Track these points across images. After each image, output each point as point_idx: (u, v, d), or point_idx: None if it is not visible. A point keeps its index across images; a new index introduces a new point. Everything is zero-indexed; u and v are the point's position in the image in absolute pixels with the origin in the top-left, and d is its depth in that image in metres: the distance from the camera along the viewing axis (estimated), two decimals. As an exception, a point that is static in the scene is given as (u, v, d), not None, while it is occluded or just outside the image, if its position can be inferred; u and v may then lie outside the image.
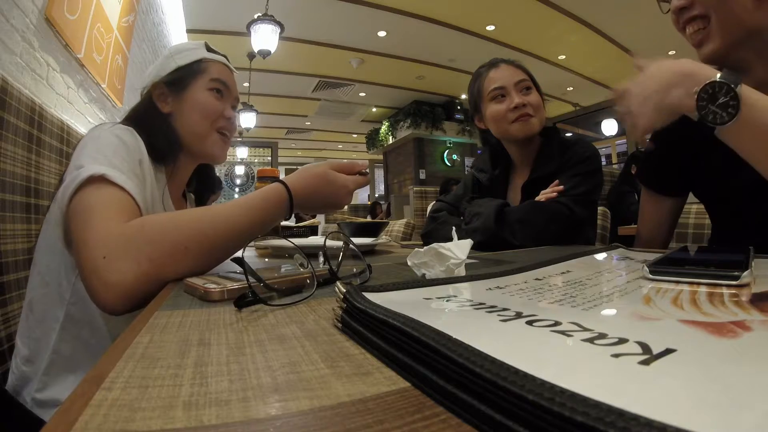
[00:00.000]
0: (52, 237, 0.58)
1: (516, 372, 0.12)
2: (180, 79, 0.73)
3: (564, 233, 0.84)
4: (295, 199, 0.55)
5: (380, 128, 8.85)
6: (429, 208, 1.20)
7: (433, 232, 0.98)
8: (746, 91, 0.47)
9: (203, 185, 0.89)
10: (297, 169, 0.62)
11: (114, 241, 0.44)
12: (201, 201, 0.89)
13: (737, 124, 0.47)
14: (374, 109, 8.27)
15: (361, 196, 11.53)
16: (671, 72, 0.52)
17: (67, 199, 0.51)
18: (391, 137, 8.51)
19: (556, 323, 0.18)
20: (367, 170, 0.66)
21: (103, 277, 0.43)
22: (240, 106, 6.00)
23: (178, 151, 0.74)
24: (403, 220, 2.00)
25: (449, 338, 0.16)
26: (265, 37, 3.58)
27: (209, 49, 0.77)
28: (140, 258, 0.43)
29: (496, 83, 0.96)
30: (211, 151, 0.76)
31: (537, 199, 0.88)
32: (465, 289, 0.28)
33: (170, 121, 0.73)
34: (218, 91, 0.75)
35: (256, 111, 6.11)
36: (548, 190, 0.89)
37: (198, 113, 0.73)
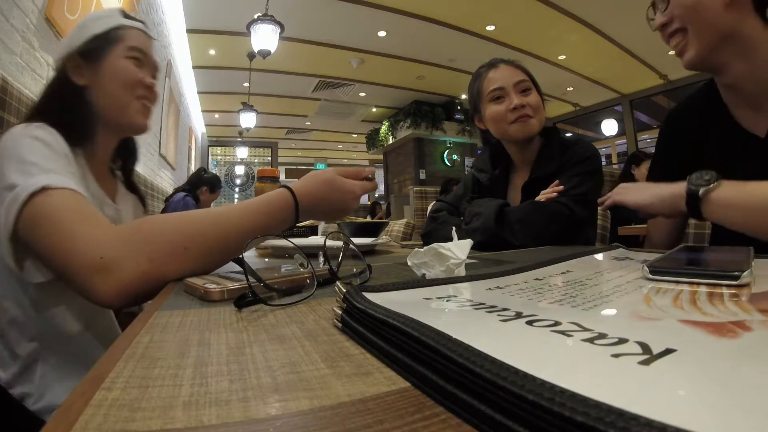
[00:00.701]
0: None
1: (516, 372, 0.12)
2: (96, 48, 0.68)
3: (564, 233, 0.84)
4: (301, 205, 0.54)
5: (380, 128, 8.84)
6: (429, 208, 1.20)
7: (433, 232, 0.98)
8: (713, 194, 0.59)
9: (126, 159, 0.83)
10: (297, 169, 0.62)
11: (110, 243, 0.44)
12: (128, 176, 0.84)
13: (709, 214, 0.60)
14: (374, 109, 8.27)
15: (362, 198, 11.52)
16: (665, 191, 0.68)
17: (11, 221, 0.48)
18: (391, 137, 8.51)
19: (556, 323, 0.18)
20: (374, 175, 0.66)
21: (103, 276, 0.42)
22: (240, 106, 6.04)
23: (95, 128, 0.70)
24: (403, 220, 2.00)
25: (449, 338, 0.16)
26: (265, 37, 3.58)
27: (126, 16, 0.73)
28: (139, 258, 0.43)
29: (495, 84, 0.96)
30: (134, 120, 0.72)
31: (537, 199, 0.88)
32: (465, 289, 0.28)
33: (86, 94, 0.68)
34: (136, 59, 0.71)
35: (256, 111, 6.12)
36: (548, 190, 0.89)
37: (116, 83, 0.69)
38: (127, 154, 0.83)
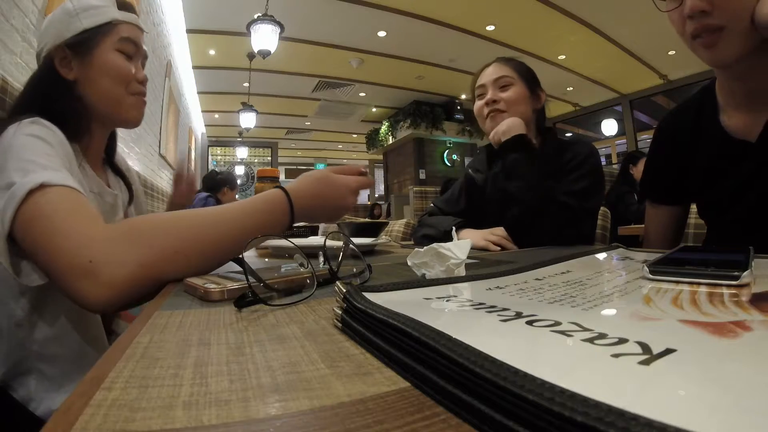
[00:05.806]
0: None
1: (516, 372, 0.12)
2: (86, 40, 0.65)
3: (568, 230, 0.85)
4: (296, 204, 0.52)
5: (380, 128, 8.84)
6: (427, 210, 1.22)
7: (414, 234, 1.04)
8: None
9: (107, 146, 0.79)
10: (297, 169, 0.62)
11: (99, 245, 0.42)
12: (111, 160, 0.81)
13: None
14: (374, 109, 8.27)
15: (362, 197, 11.55)
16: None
17: (8, 220, 0.45)
18: (391, 137, 8.51)
19: (556, 323, 0.18)
20: (367, 170, 0.66)
21: (91, 279, 0.40)
22: (240, 106, 6.03)
23: (90, 122, 0.67)
24: (403, 220, 2.00)
25: (449, 338, 0.16)
26: (265, 37, 3.59)
27: (120, 6, 0.69)
28: (129, 262, 0.41)
29: (479, 81, 1.01)
30: (127, 116, 0.70)
31: None
32: (465, 289, 0.28)
33: (76, 88, 0.65)
34: (127, 52, 0.68)
35: (256, 111, 6.11)
36: None
37: (108, 78, 0.66)
38: (112, 144, 0.80)
